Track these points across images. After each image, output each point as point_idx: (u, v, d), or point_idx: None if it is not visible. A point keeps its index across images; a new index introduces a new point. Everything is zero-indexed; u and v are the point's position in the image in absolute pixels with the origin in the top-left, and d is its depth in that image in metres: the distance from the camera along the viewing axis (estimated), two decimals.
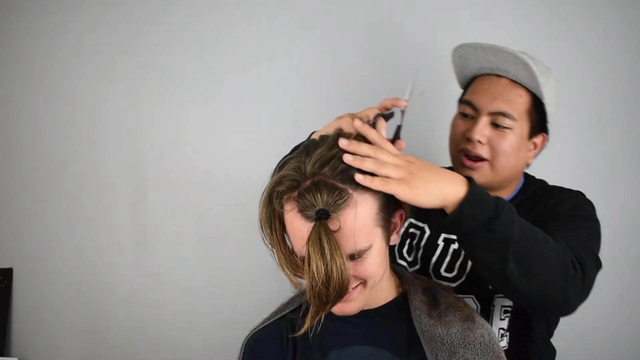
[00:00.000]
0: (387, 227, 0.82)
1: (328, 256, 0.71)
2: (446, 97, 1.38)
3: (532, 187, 1.16)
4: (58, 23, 1.80)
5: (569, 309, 0.92)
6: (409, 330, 0.86)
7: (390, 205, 0.82)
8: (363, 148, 0.79)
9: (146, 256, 1.72)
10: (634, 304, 1.41)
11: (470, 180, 0.83)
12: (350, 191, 0.76)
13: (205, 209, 1.68)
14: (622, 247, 1.40)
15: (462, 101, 1.14)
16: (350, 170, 0.77)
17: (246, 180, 1.61)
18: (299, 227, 0.77)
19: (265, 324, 0.96)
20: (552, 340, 1.16)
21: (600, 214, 1.03)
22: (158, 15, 1.71)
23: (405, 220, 0.87)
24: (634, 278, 1.41)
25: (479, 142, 1.06)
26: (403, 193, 0.78)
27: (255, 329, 0.97)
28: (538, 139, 1.12)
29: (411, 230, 1.18)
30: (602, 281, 1.41)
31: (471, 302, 1.09)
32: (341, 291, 0.73)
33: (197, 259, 1.68)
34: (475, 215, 0.80)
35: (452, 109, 1.16)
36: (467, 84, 1.17)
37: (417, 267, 1.15)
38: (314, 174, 0.77)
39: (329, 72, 1.58)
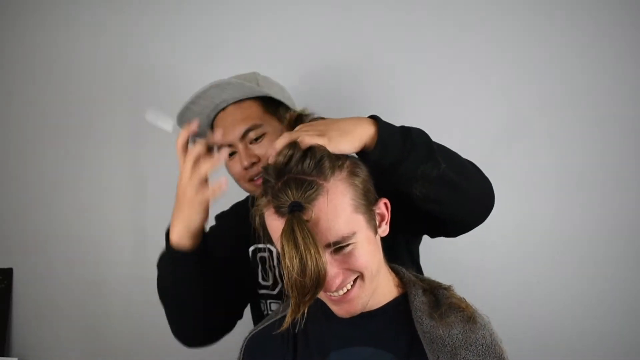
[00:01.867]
0: (371, 216, 0.83)
1: (301, 246, 0.72)
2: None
3: None
4: (58, 23, 1.80)
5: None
6: (409, 331, 0.85)
7: (369, 193, 0.83)
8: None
9: (146, 256, 1.72)
10: (634, 304, 1.41)
11: (372, 116, 0.88)
12: (320, 181, 0.78)
13: None
14: (621, 247, 1.40)
15: (219, 147, 1.20)
16: (315, 162, 0.79)
17: None
18: (276, 226, 0.78)
19: (265, 324, 0.96)
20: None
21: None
22: (161, 15, 1.71)
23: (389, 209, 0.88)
24: (634, 278, 1.40)
25: (254, 163, 1.11)
26: (326, 144, 0.81)
27: (255, 329, 0.97)
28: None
29: (260, 255, 1.20)
30: (602, 281, 1.42)
31: None
32: (318, 281, 0.73)
33: None
34: (394, 138, 0.85)
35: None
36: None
37: (280, 286, 1.17)
38: (282, 174, 0.79)
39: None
